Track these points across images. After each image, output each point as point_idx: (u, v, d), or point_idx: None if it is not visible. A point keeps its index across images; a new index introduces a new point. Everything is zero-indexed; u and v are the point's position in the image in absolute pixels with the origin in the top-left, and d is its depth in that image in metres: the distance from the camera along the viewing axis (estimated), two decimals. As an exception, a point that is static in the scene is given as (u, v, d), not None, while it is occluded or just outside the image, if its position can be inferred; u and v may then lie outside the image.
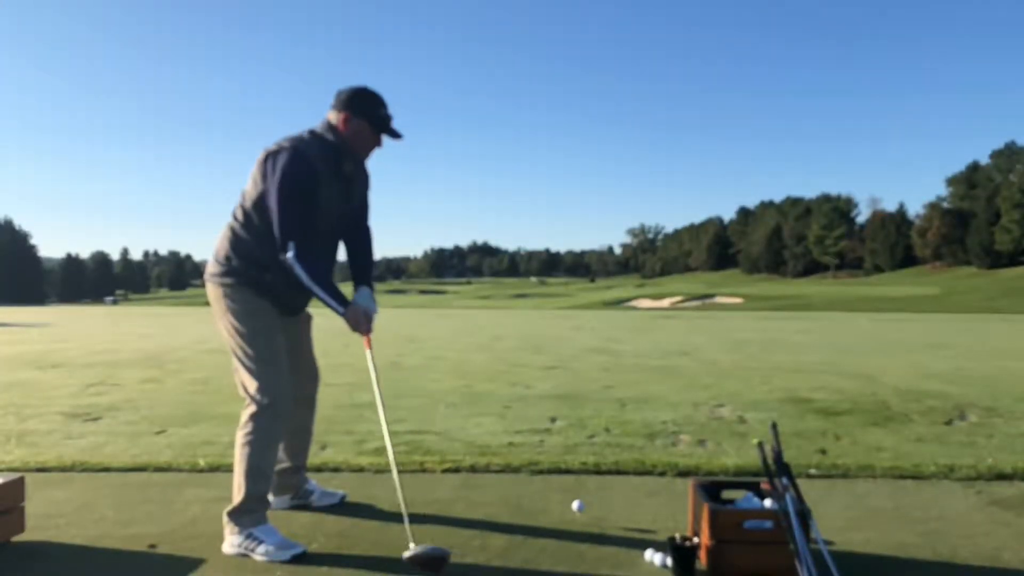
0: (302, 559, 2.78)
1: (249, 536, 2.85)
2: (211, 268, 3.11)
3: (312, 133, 3.02)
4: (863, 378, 8.59)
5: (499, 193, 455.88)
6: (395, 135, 3.10)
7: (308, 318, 3.39)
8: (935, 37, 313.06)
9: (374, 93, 3.07)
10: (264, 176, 2.92)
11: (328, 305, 2.97)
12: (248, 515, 2.89)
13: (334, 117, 3.05)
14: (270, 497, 3.13)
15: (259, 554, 2.80)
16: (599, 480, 3.89)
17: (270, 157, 2.92)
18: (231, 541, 2.88)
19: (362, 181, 3.22)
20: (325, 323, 3.99)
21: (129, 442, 4.93)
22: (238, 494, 2.93)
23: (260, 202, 2.95)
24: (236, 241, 3.03)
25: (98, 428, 5.44)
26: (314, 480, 3.56)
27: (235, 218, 3.04)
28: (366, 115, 3.03)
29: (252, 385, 2.97)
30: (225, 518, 2.92)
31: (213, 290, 3.08)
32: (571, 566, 2.76)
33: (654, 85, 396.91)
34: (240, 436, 2.98)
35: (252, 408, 2.96)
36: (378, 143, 3.11)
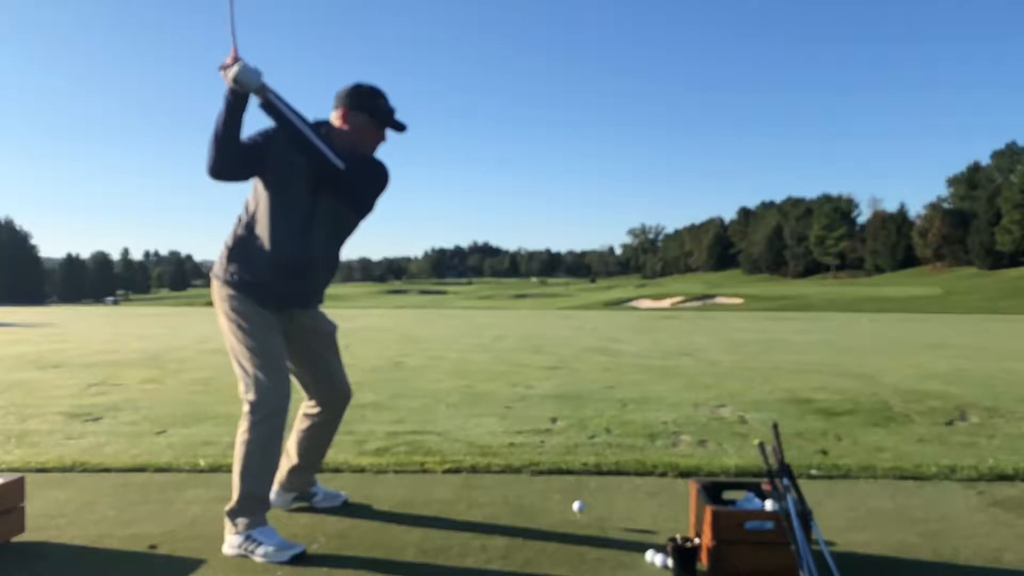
0: (302, 560, 2.78)
1: (248, 538, 2.85)
2: (214, 266, 3.12)
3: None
4: (864, 378, 8.58)
5: (500, 193, 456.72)
6: (398, 127, 3.08)
7: (331, 329, 3.30)
8: (935, 37, 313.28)
9: (371, 86, 3.06)
10: None
11: (226, 109, 2.76)
12: (246, 516, 2.88)
13: (335, 117, 3.04)
14: (273, 493, 3.13)
15: (258, 555, 2.80)
16: (600, 481, 3.89)
17: None
18: (230, 542, 2.88)
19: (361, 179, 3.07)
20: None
21: (130, 442, 4.93)
22: (234, 494, 2.92)
23: (250, 196, 3.00)
24: (230, 239, 3.04)
25: (99, 428, 5.44)
26: (319, 481, 3.55)
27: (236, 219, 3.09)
28: (364, 108, 3.01)
29: (244, 383, 2.96)
30: (226, 518, 2.92)
31: (213, 288, 3.09)
32: (572, 567, 2.76)
33: (655, 85, 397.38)
34: (237, 435, 2.98)
35: (245, 407, 2.95)
36: (382, 137, 3.08)
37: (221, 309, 3.03)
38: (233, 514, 2.90)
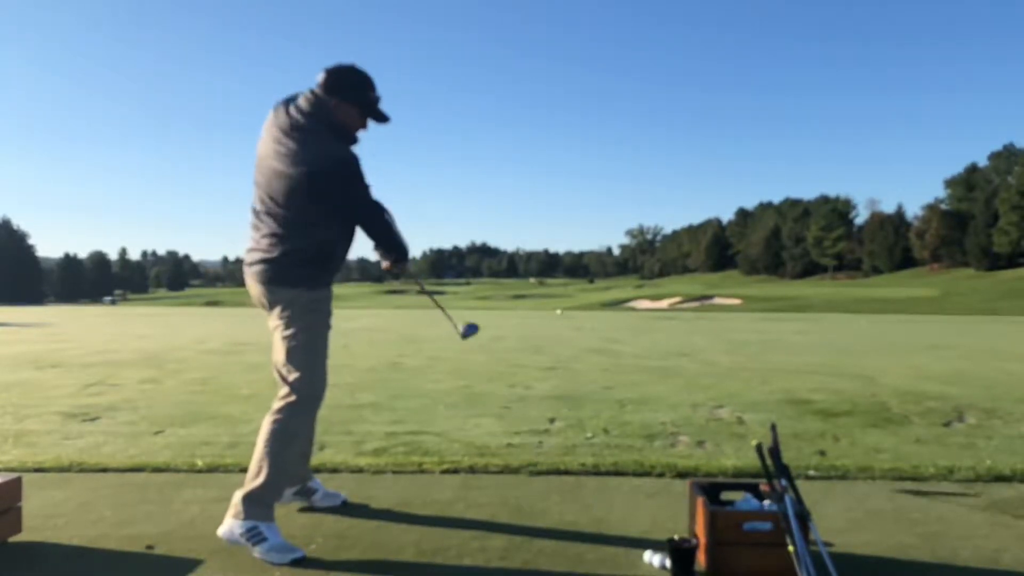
0: (300, 562, 2.77)
1: (254, 529, 2.81)
2: (264, 267, 2.99)
3: (330, 127, 2.97)
4: (862, 379, 8.59)
5: (498, 193, 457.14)
6: (383, 119, 3.09)
7: None
8: (935, 37, 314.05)
9: (363, 75, 3.03)
10: (309, 173, 2.89)
11: (398, 243, 3.12)
12: (262, 505, 2.85)
13: (323, 95, 2.98)
14: None
15: (260, 551, 2.77)
16: (598, 481, 3.88)
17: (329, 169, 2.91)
18: (232, 527, 2.83)
19: None
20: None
21: (127, 442, 4.92)
22: (257, 479, 2.87)
23: (299, 195, 2.91)
24: (305, 248, 2.98)
25: (96, 428, 5.43)
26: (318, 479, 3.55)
27: (275, 215, 2.96)
28: (356, 101, 3.01)
29: (295, 376, 2.98)
30: (237, 499, 2.85)
31: (287, 292, 3.00)
32: (570, 567, 2.76)
33: (653, 85, 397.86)
34: (271, 423, 2.96)
35: (292, 398, 2.97)
36: (364, 126, 3.09)
37: (304, 308, 3.00)
38: (251, 498, 2.84)
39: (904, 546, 3.00)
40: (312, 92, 3.00)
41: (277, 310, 3.02)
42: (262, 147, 3.02)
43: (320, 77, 2.99)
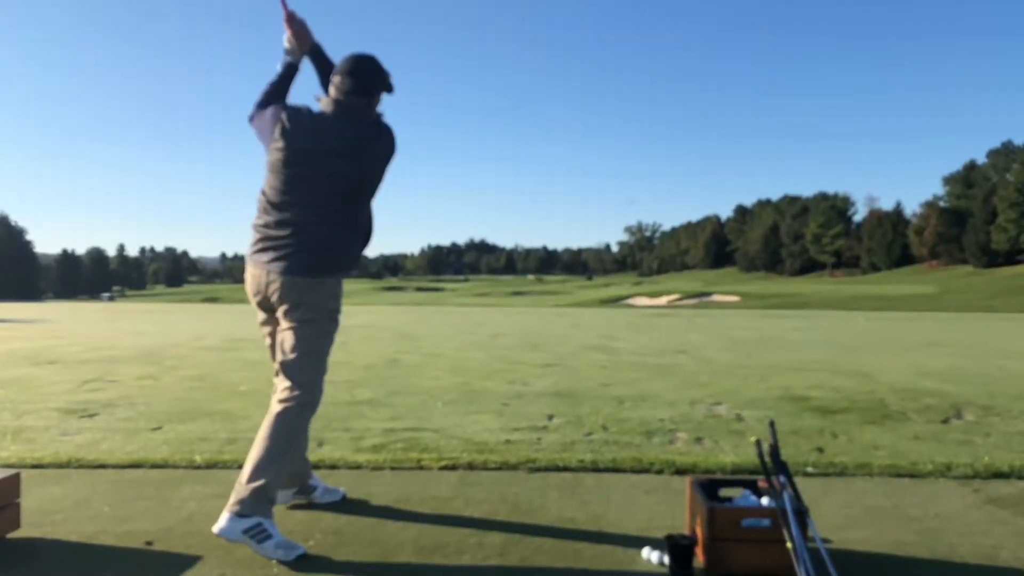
0: (299, 559, 2.77)
1: (259, 526, 2.78)
2: (296, 261, 2.96)
3: (377, 123, 3.10)
4: (860, 376, 8.60)
5: (497, 190, 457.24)
6: (392, 91, 3.18)
7: None
8: (933, 36, 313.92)
9: (376, 63, 3.10)
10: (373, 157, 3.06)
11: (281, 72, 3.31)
12: (266, 502, 2.83)
13: (350, 93, 3.04)
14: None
15: (266, 548, 2.75)
16: (596, 478, 3.89)
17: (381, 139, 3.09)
18: (235, 524, 2.77)
19: None
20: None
21: (126, 439, 4.92)
22: (263, 475, 2.82)
23: (360, 188, 3.07)
24: (331, 234, 3.01)
25: (94, 424, 5.42)
26: (317, 476, 3.55)
27: (327, 210, 2.99)
28: (384, 90, 3.12)
29: (306, 376, 2.99)
30: (241, 495, 2.80)
31: (312, 282, 3.00)
32: (568, 564, 2.76)
33: (653, 83, 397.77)
34: (277, 420, 2.93)
35: (301, 398, 2.97)
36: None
37: (326, 313, 3.03)
38: (257, 495, 2.81)
39: (902, 542, 3.00)
40: (349, 99, 3.02)
41: (301, 308, 2.98)
42: (312, 144, 2.98)
43: (348, 83, 3.01)
